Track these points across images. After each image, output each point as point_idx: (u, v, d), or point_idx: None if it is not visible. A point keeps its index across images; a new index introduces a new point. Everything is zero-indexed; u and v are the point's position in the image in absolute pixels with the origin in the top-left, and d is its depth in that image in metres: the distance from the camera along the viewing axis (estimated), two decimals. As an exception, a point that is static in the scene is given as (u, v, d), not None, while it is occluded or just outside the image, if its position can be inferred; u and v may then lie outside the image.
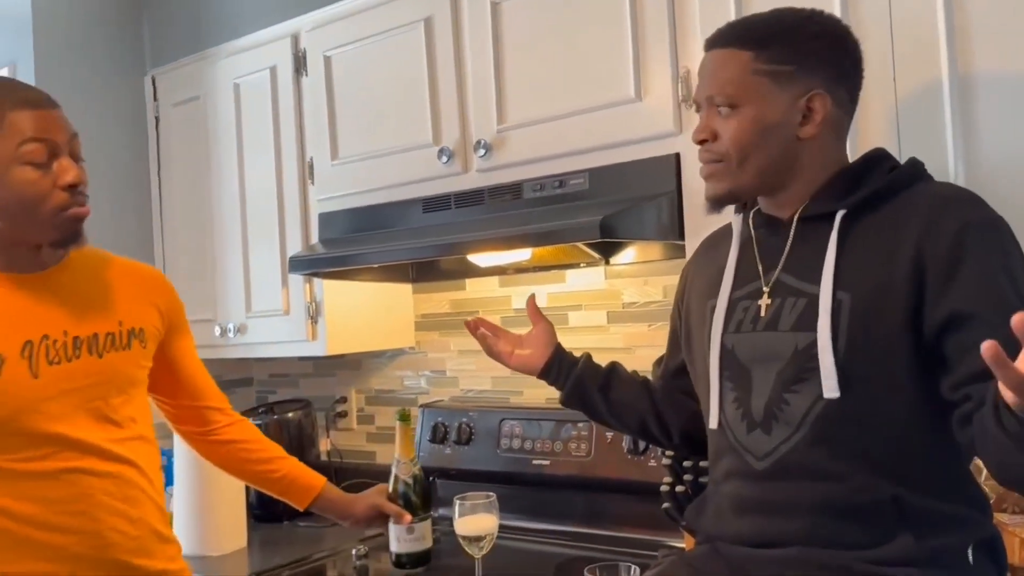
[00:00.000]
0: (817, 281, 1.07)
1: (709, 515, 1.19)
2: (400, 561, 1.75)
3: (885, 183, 1.09)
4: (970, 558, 1.04)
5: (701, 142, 1.17)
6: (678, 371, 1.34)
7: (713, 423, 1.17)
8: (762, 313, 1.13)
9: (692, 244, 1.49)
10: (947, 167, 1.27)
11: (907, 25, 1.30)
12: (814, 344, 1.05)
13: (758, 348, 1.13)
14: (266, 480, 1.62)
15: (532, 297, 1.48)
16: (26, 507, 1.26)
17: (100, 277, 1.42)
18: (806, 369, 1.07)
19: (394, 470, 1.77)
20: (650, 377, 1.43)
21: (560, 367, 1.40)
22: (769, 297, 1.13)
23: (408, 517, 1.70)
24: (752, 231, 1.20)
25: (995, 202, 1.10)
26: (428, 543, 1.76)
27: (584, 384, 1.39)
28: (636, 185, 1.57)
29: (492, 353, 1.44)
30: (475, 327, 1.45)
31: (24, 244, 1.32)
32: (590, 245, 1.75)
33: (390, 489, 1.75)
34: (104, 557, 1.30)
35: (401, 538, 1.74)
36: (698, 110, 1.20)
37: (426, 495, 1.77)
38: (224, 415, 1.61)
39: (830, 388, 1.04)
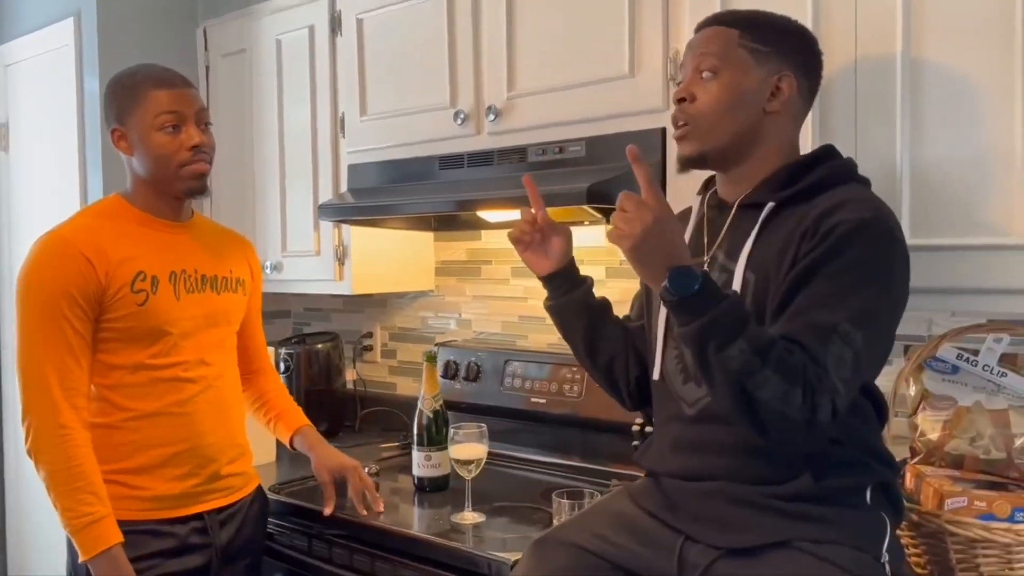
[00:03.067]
0: (737, 260, 1.24)
1: (653, 453, 1.38)
2: (422, 484, 1.97)
3: (812, 182, 1.22)
4: (868, 498, 1.21)
5: (679, 101, 1.29)
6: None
7: (656, 374, 1.35)
8: None
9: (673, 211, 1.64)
10: (895, 156, 1.40)
11: (870, 15, 1.42)
12: None
13: None
14: (259, 416, 1.93)
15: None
16: (148, 405, 1.59)
17: (214, 234, 1.78)
18: None
19: (419, 404, 1.99)
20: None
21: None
22: (708, 268, 1.29)
23: (366, 512, 1.77)
24: (706, 211, 1.36)
25: (935, 189, 1.23)
26: (446, 470, 1.95)
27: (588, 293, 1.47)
28: (626, 154, 1.71)
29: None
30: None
31: (168, 195, 1.65)
32: (591, 206, 1.91)
33: (415, 420, 1.97)
34: (199, 455, 1.63)
35: (421, 464, 1.96)
36: (679, 82, 1.33)
37: (446, 427, 1.95)
38: (258, 371, 1.91)
39: None
